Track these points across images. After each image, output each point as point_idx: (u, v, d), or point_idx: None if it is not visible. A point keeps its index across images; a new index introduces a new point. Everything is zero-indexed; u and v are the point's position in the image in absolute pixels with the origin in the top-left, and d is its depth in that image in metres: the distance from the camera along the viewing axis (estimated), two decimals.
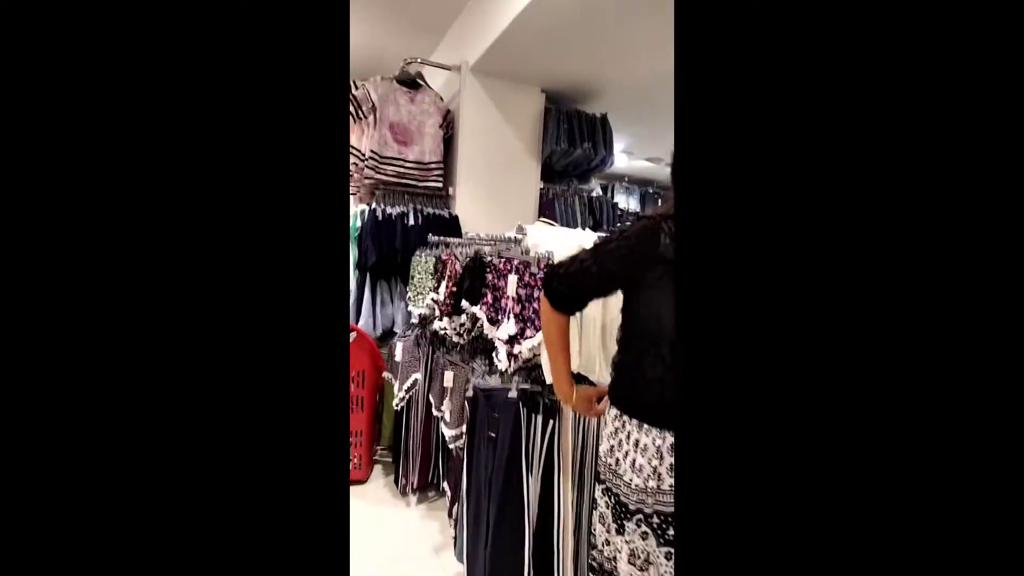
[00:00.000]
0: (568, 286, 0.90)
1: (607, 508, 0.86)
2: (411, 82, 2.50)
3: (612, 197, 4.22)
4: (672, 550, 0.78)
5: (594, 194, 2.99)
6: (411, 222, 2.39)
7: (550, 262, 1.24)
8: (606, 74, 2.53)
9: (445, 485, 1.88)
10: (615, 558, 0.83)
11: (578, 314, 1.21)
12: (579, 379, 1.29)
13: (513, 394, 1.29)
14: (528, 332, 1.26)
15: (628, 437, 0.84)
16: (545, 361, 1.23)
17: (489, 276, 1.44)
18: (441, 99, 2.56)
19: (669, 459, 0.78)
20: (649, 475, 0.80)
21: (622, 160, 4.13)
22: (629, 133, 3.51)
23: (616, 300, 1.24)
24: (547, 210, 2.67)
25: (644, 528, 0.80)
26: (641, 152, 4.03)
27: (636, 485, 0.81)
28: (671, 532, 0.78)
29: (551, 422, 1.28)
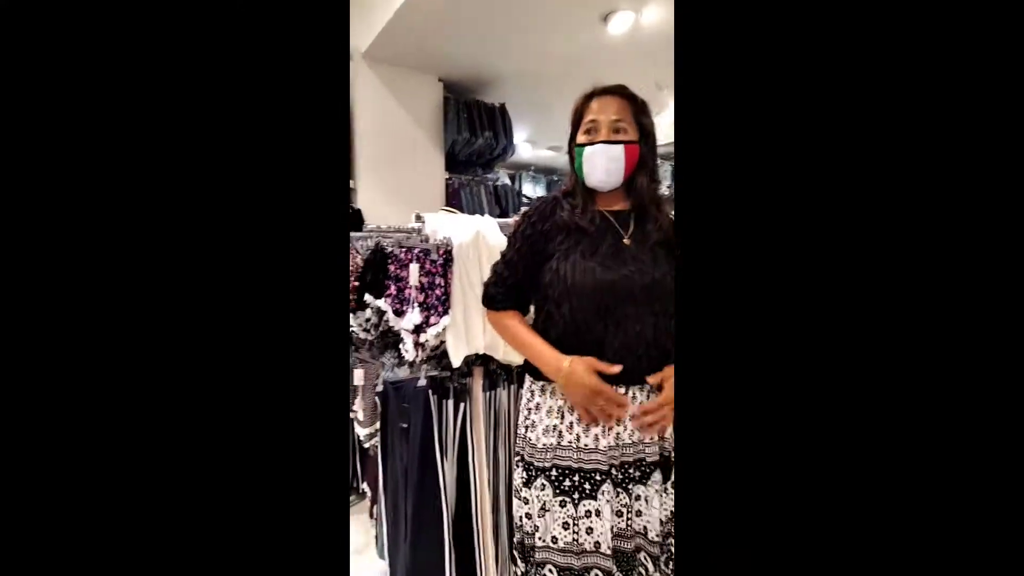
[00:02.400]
0: (503, 286, 0.92)
1: (521, 479, 0.90)
2: None
3: (519, 186, 4.32)
4: (564, 498, 0.84)
5: (499, 183, 3.04)
6: None
7: (449, 248, 1.25)
8: (502, 62, 2.57)
9: (365, 486, 1.83)
10: (531, 514, 0.88)
11: (477, 296, 1.23)
12: (485, 359, 1.32)
13: (422, 382, 1.28)
14: (432, 319, 1.26)
15: (536, 405, 0.90)
16: (451, 346, 1.25)
17: (391, 267, 1.42)
18: None
19: (570, 417, 0.86)
20: (552, 434, 0.87)
21: (526, 149, 4.24)
22: (530, 123, 3.61)
23: None
24: (454, 200, 2.67)
25: (543, 481, 0.86)
26: (543, 141, 4.16)
27: (542, 445, 0.87)
28: (566, 483, 0.85)
29: (462, 406, 1.30)
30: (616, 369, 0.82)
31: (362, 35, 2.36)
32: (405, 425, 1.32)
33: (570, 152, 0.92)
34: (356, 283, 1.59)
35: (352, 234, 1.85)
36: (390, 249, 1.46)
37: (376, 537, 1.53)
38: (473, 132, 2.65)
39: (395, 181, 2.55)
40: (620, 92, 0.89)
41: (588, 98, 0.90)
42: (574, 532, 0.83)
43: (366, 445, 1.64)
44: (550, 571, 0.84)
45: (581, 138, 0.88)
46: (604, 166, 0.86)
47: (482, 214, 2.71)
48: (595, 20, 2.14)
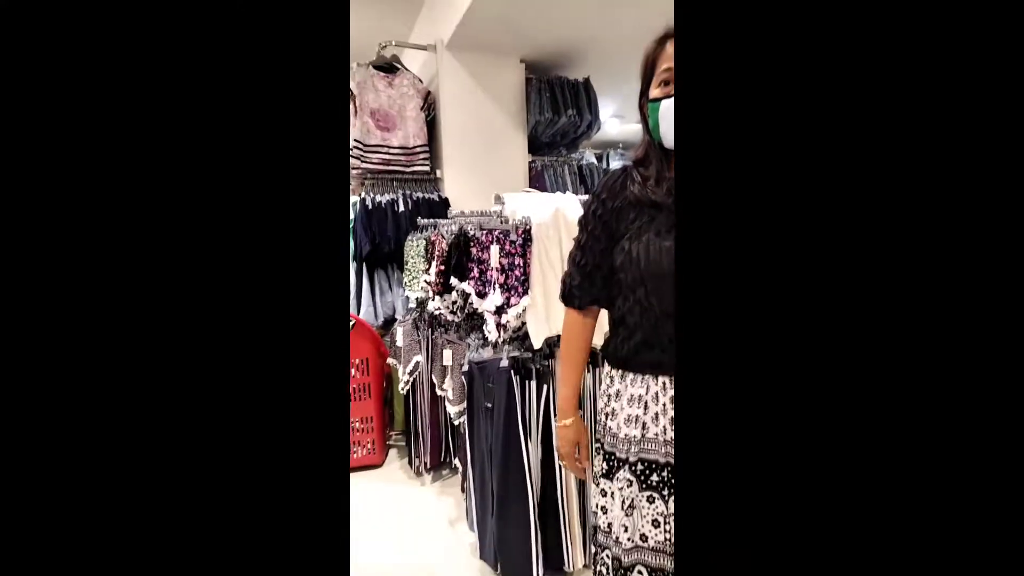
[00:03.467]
0: (579, 275, 0.85)
1: (600, 468, 0.86)
2: (388, 66, 2.46)
3: (607, 164, 4.15)
4: (652, 494, 0.78)
5: (584, 162, 2.94)
6: (401, 208, 2.38)
7: (528, 227, 1.23)
8: (586, 33, 2.46)
9: (457, 461, 1.92)
10: (607, 508, 0.84)
11: (557, 275, 1.20)
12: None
13: (504, 363, 1.29)
14: (513, 300, 1.25)
15: (616, 392, 0.84)
16: (532, 327, 1.23)
17: (474, 250, 1.44)
18: (420, 81, 2.53)
19: (654, 407, 0.78)
20: (634, 424, 0.80)
21: (614, 125, 4.05)
22: (617, 95, 3.43)
23: None
24: (537, 182, 2.64)
25: (628, 476, 0.80)
26: (632, 115, 3.93)
27: (624, 436, 0.81)
28: (654, 477, 0.78)
29: (545, 387, 1.28)
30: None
31: (444, 27, 2.40)
32: (489, 405, 1.34)
33: (642, 110, 0.79)
34: (442, 267, 1.64)
35: (438, 221, 1.92)
36: (472, 232, 1.48)
37: (467, 511, 1.59)
38: (556, 111, 2.58)
39: (479, 168, 2.59)
40: None
41: (661, 42, 0.75)
42: (666, 531, 0.76)
43: (456, 423, 1.71)
44: (640, 573, 0.78)
45: (655, 91, 0.75)
46: None
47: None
48: None
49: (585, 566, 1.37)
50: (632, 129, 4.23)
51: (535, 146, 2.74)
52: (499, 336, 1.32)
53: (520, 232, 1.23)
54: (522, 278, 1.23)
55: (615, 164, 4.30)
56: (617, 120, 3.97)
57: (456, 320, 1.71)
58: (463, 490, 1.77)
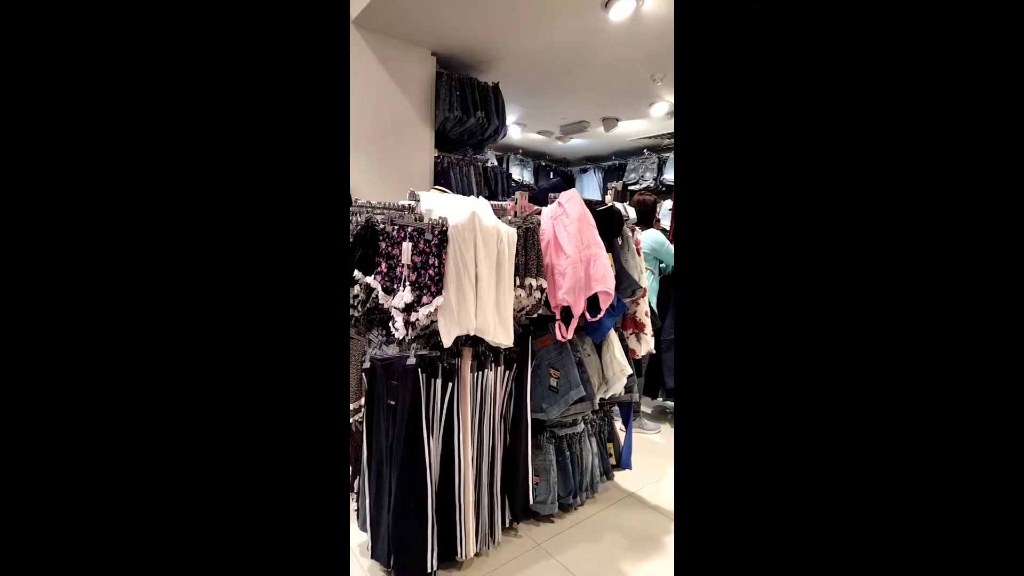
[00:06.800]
0: None
1: None
2: None
3: (507, 168, 4.28)
4: None
5: (489, 164, 3.01)
6: None
7: (444, 228, 1.25)
8: (498, 41, 2.52)
9: None
10: None
11: (471, 277, 1.24)
12: (476, 340, 1.34)
13: (412, 361, 1.29)
14: (424, 299, 1.26)
15: None
16: (443, 326, 1.26)
17: (382, 244, 1.40)
18: None
19: None
20: None
21: (516, 132, 4.19)
22: (522, 105, 3.57)
23: (508, 266, 1.29)
24: (442, 179, 2.64)
25: None
26: (534, 125, 4.12)
27: None
28: None
29: (450, 385, 1.32)
30: None
31: (353, 1, 2.27)
32: (392, 402, 1.33)
33: None
34: None
35: None
36: (381, 226, 1.44)
37: (357, 510, 1.55)
38: (465, 110, 2.61)
39: (382, 156, 2.50)
40: None
41: None
42: None
43: (349, 420, 1.64)
44: None
45: None
46: None
47: (472, 194, 2.70)
48: (596, 5, 2.12)
49: (477, 555, 1.44)
50: (532, 138, 4.43)
51: (442, 141, 2.73)
52: (407, 334, 1.32)
53: (436, 232, 1.24)
54: (436, 277, 1.24)
55: (514, 168, 4.46)
56: (519, 127, 4.13)
57: (356, 315, 1.64)
58: (351, 488, 1.70)
